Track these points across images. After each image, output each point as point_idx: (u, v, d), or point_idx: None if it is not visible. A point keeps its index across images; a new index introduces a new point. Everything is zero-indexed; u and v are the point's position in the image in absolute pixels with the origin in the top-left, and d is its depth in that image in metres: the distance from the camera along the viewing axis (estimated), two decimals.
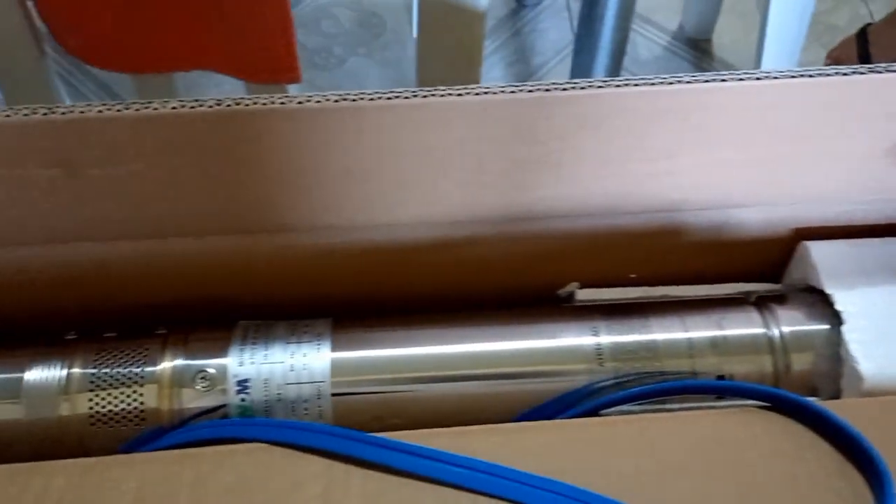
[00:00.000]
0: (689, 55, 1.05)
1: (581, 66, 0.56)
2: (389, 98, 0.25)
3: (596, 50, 0.54)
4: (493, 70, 0.97)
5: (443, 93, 0.24)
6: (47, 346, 0.29)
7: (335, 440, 0.24)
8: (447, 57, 0.43)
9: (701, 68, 1.05)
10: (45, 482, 0.24)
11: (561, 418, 0.28)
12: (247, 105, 0.25)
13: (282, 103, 0.25)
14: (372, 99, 0.25)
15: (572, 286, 0.32)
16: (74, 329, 0.31)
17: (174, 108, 0.25)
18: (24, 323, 0.31)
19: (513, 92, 0.25)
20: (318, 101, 0.25)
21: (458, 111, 0.25)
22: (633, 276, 0.32)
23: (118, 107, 0.25)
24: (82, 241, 0.29)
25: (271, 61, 0.41)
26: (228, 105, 0.25)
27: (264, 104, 0.25)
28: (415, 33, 1.01)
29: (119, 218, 0.29)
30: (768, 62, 0.72)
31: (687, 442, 0.25)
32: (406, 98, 0.25)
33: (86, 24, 0.42)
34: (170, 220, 0.29)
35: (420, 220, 0.30)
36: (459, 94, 0.25)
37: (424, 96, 0.24)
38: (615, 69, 0.56)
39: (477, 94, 0.25)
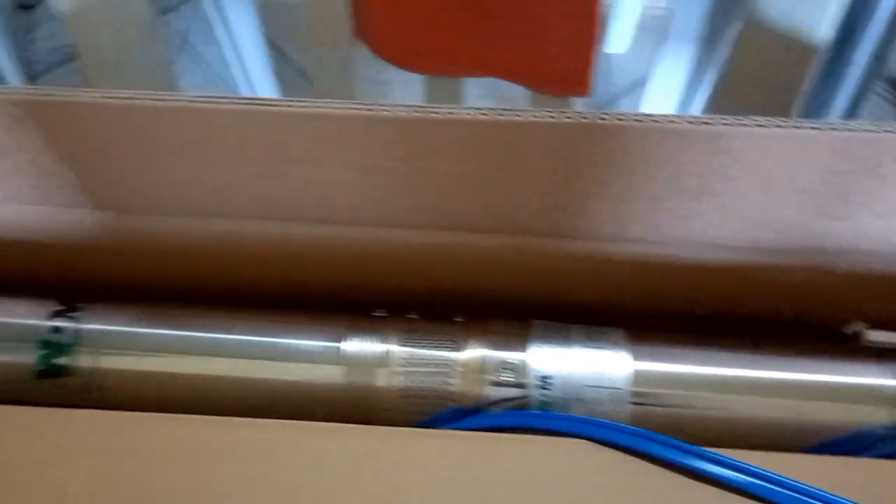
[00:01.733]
0: (892, 96, 1.01)
1: (815, 106, 0.55)
2: (746, 125, 0.26)
3: (836, 91, 0.53)
4: None
5: (812, 125, 0.25)
6: (361, 319, 0.32)
7: (665, 449, 0.25)
8: (765, 89, 0.44)
9: None
10: (377, 444, 0.27)
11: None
12: (602, 120, 0.26)
13: (637, 121, 0.26)
14: (727, 124, 0.26)
15: (859, 326, 0.32)
16: (379, 306, 0.33)
17: (536, 116, 0.26)
18: (335, 295, 0.33)
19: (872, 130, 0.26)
20: (671, 122, 0.26)
21: (807, 142, 0.26)
22: None
23: (484, 111, 0.27)
24: (402, 227, 0.32)
25: (567, 74, 0.43)
26: (584, 118, 0.26)
27: (620, 120, 0.26)
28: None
29: (439, 209, 0.31)
30: None
31: None
32: (775, 127, 0.25)
33: (393, 27, 0.45)
34: (484, 215, 0.31)
35: (727, 243, 0.30)
36: (819, 129, 0.25)
37: (791, 127, 0.25)
38: (853, 112, 0.55)
39: (835, 129, 0.25)
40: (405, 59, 0.46)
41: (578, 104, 0.47)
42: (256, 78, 0.91)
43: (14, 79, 1.00)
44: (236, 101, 0.28)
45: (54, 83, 1.07)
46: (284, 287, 0.34)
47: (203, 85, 1.01)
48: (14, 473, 0.26)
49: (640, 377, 0.29)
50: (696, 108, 0.66)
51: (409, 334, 0.31)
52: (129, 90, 0.28)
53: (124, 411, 0.28)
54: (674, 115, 0.26)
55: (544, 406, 0.29)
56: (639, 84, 0.92)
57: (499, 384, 0.30)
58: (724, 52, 0.57)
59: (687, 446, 0.25)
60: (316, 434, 0.28)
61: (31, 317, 0.32)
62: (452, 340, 0.31)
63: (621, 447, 0.25)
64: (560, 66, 0.42)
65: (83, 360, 0.31)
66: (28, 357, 0.31)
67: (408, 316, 0.33)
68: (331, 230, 0.32)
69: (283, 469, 0.26)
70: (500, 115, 0.27)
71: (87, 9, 0.49)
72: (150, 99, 0.28)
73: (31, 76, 1.08)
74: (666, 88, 0.64)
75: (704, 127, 0.25)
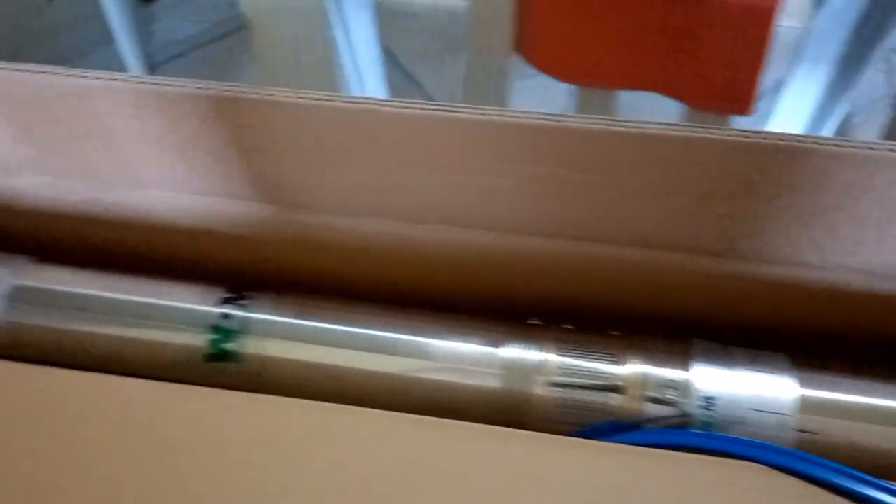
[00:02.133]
0: None
1: None
2: None
3: None
4: None
5: None
6: (518, 326, 0.32)
7: (845, 478, 0.24)
8: None
9: None
10: (536, 450, 0.27)
11: None
12: (799, 143, 0.26)
13: (836, 146, 0.26)
14: None
15: None
16: (532, 315, 0.33)
17: (724, 135, 0.26)
18: (491, 301, 0.34)
19: None
20: (871, 148, 0.25)
21: None
22: None
23: (675, 127, 0.27)
24: (558, 238, 0.32)
25: (733, 92, 0.43)
26: (781, 140, 0.26)
27: (818, 144, 0.26)
28: None
29: (604, 221, 0.31)
30: None
31: None
32: None
33: (554, 39, 0.45)
34: (654, 230, 0.31)
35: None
36: None
37: None
38: None
39: None
40: (563, 70, 0.46)
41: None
42: (369, 82, 0.92)
43: (136, 71, 1.04)
44: (424, 106, 0.28)
45: (170, 76, 1.11)
46: (441, 289, 0.35)
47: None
48: (181, 451, 0.27)
49: (806, 404, 0.29)
50: (827, 131, 0.64)
51: (567, 344, 0.31)
52: (321, 91, 0.29)
53: (284, 397, 0.29)
54: (873, 142, 0.25)
55: (706, 426, 0.29)
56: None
57: (659, 401, 0.30)
58: (863, 76, 0.55)
59: (869, 477, 0.24)
60: (473, 435, 0.28)
61: (202, 302, 0.33)
62: (612, 354, 0.31)
63: (798, 473, 0.25)
64: (726, 84, 0.42)
65: (250, 347, 0.32)
66: (198, 340, 0.32)
67: (563, 326, 0.33)
68: (492, 237, 0.32)
69: (434, 466, 0.27)
70: (693, 131, 0.27)
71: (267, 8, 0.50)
72: (339, 101, 0.29)
73: (150, 69, 1.12)
74: (793, 108, 0.63)
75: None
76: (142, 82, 0.30)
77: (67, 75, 0.31)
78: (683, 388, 0.30)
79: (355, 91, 0.93)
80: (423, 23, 1.10)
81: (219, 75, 1.10)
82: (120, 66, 1.07)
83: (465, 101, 0.61)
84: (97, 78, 0.31)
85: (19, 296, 0.34)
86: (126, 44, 1.04)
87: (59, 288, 0.34)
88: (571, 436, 0.31)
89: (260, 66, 0.57)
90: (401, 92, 1.03)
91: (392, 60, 1.05)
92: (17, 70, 0.31)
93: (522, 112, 0.28)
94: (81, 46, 1.17)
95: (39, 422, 0.27)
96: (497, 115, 0.28)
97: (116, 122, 0.32)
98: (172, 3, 1.22)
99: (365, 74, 0.91)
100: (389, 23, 1.05)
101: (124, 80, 0.31)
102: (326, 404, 0.29)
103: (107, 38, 1.08)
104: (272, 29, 0.53)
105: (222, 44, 1.13)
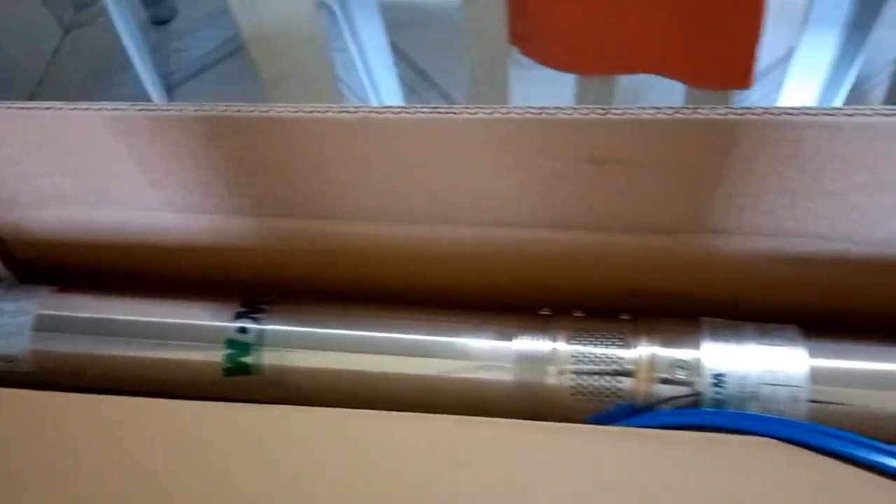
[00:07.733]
0: None
1: None
2: None
3: None
4: None
5: None
6: (529, 318, 0.33)
7: (862, 449, 0.24)
8: None
9: None
10: (551, 440, 0.27)
11: None
12: (789, 115, 0.26)
13: (826, 114, 0.26)
14: None
15: None
16: (544, 305, 0.34)
17: (711, 115, 0.26)
18: (503, 294, 0.34)
19: None
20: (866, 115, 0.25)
21: None
22: None
23: (665, 110, 0.27)
24: (579, 230, 0.32)
25: (731, 67, 0.42)
26: (771, 115, 0.26)
27: (808, 115, 0.26)
28: None
29: (616, 210, 0.31)
30: None
31: None
32: None
33: (551, 29, 0.45)
34: (664, 215, 0.31)
35: None
36: None
37: None
38: None
39: None
40: (561, 59, 0.46)
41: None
42: (383, 88, 0.93)
43: (155, 93, 1.06)
44: (416, 109, 0.29)
45: (188, 96, 1.13)
46: (455, 287, 0.35)
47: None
48: (201, 464, 0.28)
49: (817, 374, 0.29)
50: (840, 98, 0.63)
51: (577, 332, 0.32)
52: (320, 104, 0.30)
53: (303, 406, 0.30)
54: (867, 108, 0.25)
55: (718, 404, 0.29)
56: (768, 71, 0.89)
57: (670, 382, 0.30)
58: (872, 37, 0.54)
59: (883, 445, 0.24)
60: (488, 429, 0.29)
61: (218, 318, 0.34)
62: (621, 338, 0.31)
63: (811, 446, 0.25)
64: (724, 60, 0.41)
65: (267, 359, 0.33)
66: (216, 356, 0.33)
67: (574, 314, 0.33)
68: (503, 232, 0.33)
69: (452, 462, 0.27)
70: (694, 113, 0.27)
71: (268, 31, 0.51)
72: (333, 111, 0.30)
73: (168, 89, 1.14)
74: (805, 75, 0.62)
75: None
76: (142, 109, 0.31)
77: (72, 109, 0.32)
78: (694, 367, 0.30)
79: (371, 97, 0.94)
80: (436, 18, 1.10)
81: (236, 92, 1.12)
82: (141, 90, 1.09)
83: (470, 97, 0.61)
84: (99, 109, 0.32)
85: (42, 324, 0.35)
86: (143, 67, 1.06)
87: (79, 314, 0.35)
88: (588, 422, 0.31)
89: (263, 86, 0.57)
90: (416, 92, 1.03)
91: (405, 60, 1.05)
92: (27, 108, 0.32)
93: (516, 108, 0.28)
94: (104, 74, 1.19)
95: (65, 446, 0.28)
96: (492, 112, 0.28)
97: (121, 148, 0.33)
98: (187, 23, 1.24)
99: (378, 80, 0.92)
100: (400, 21, 1.05)
101: (127, 110, 0.32)
102: (347, 410, 0.30)
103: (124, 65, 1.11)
104: (272, 53, 0.54)
105: (237, 59, 1.15)
